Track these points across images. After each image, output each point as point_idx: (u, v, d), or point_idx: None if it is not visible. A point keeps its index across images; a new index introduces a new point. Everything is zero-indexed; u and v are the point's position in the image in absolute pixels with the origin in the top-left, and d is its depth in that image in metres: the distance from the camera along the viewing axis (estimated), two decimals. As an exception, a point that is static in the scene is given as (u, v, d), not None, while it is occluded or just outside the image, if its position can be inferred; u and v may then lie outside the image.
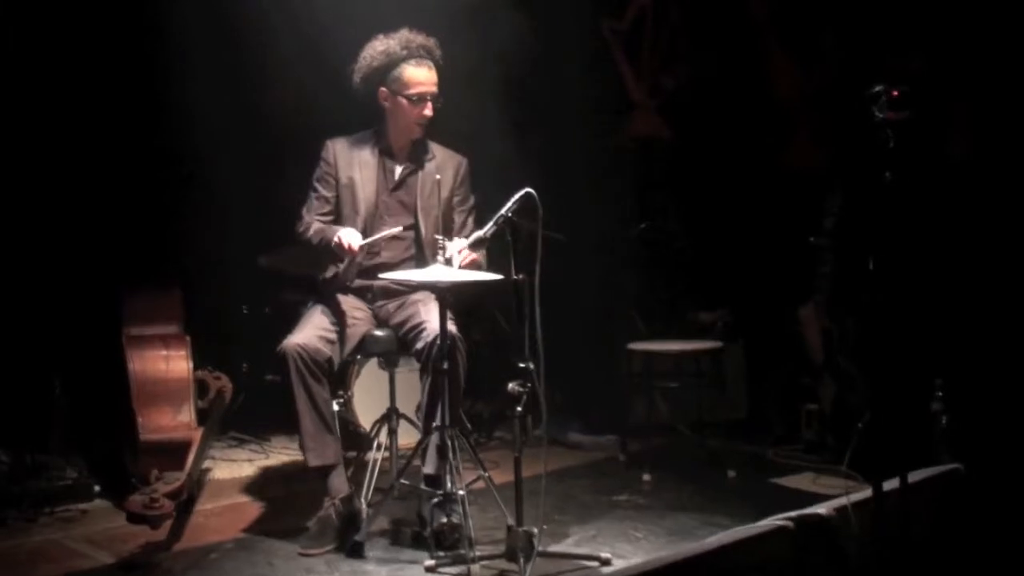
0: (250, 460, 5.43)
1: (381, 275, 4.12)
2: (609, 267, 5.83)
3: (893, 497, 2.95)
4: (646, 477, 5.00)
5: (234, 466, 5.31)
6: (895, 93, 2.66)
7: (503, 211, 3.73)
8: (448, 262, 3.88)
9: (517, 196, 3.74)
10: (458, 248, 3.95)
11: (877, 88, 2.69)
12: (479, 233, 3.79)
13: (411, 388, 4.55)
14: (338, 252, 4.21)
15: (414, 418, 4.74)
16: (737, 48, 6.31)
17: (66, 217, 5.34)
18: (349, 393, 5.26)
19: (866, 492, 2.89)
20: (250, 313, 5.98)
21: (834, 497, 4.49)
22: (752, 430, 5.70)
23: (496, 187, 4.58)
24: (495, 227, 3.74)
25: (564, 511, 4.52)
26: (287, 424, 5.73)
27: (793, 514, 2.86)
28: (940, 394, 4.87)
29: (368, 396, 5.27)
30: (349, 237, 4.17)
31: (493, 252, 4.37)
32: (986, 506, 3.23)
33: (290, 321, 5.69)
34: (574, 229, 4.94)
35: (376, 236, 4.23)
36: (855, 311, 5.25)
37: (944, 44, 5.35)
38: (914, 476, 3.01)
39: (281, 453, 5.57)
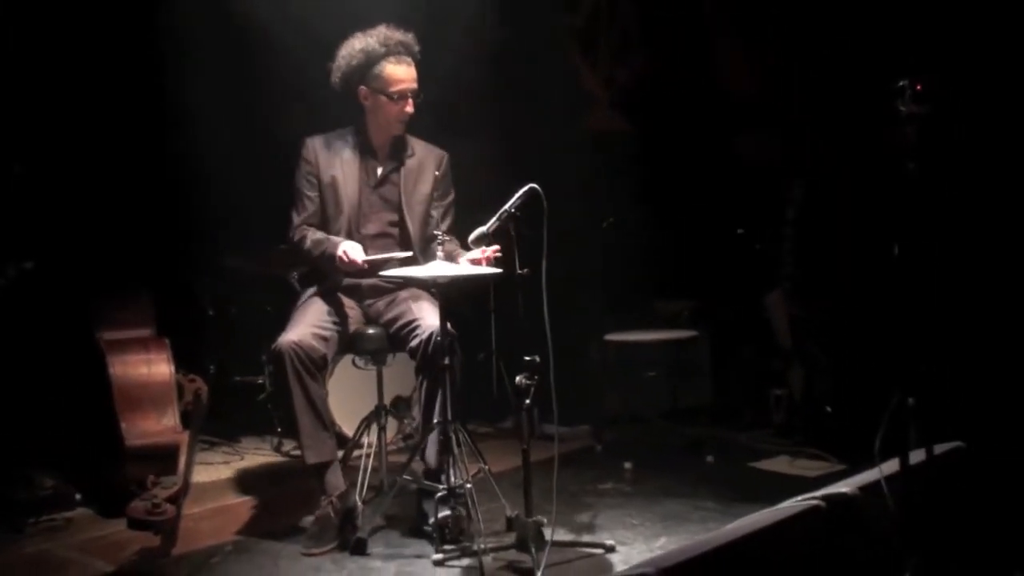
0: (226, 462, 5.39)
1: (381, 272, 4.13)
2: (575, 259, 5.89)
3: (902, 477, 3.05)
4: (627, 466, 5.08)
5: (211, 469, 5.26)
6: (919, 87, 2.76)
7: (507, 207, 3.77)
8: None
9: (521, 192, 3.78)
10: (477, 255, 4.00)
11: (902, 82, 2.79)
12: (481, 229, 3.81)
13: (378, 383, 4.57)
14: (342, 267, 4.20)
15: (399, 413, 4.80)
16: (689, 41, 6.42)
17: (32, 221, 5.23)
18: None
19: (892, 467, 2.98)
20: (216, 315, 5.91)
21: (814, 479, 4.75)
22: (721, 416, 5.82)
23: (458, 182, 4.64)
24: (498, 223, 3.78)
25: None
26: (257, 425, 5.80)
27: (819, 493, 2.94)
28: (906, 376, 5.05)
29: (341, 394, 5.27)
30: (354, 252, 4.16)
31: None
32: (985, 482, 3.36)
33: (259, 323, 5.73)
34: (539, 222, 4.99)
35: (380, 256, 4.21)
36: (822, 297, 5.41)
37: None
38: (916, 456, 3.11)
39: (255, 455, 5.54)
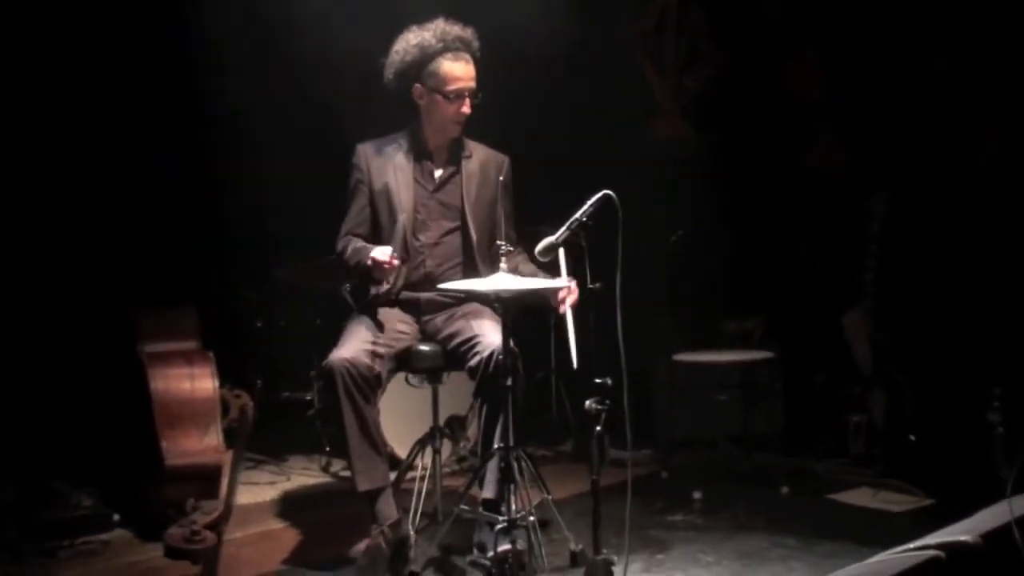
0: (272, 483, 5.13)
1: (440, 286, 3.84)
2: (641, 274, 5.59)
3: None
4: (697, 495, 4.73)
5: (256, 490, 5.01)
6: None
7: (578, 215, 3.48)
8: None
9: (594, 199, 3.49)
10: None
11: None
12: (550, 239, 3.52)
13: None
14: (377, 273, 3.94)
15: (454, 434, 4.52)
16: (759, 47, 6.12)
17: (73, 231, 5.03)
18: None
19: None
20: (264, 328, 5.67)
21: (900, 514, 4.42)
22: (794, 443, 5.45)
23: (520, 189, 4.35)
24: (568, 232, 3.49)
25: (620, 534, 4.23)
26: (305, 444, 5.54)
27: (932, 541, 2.59)
28: (997, 404, 4.71)
29: (393, 413, 4.99)
30: (381, 254, 3.88)
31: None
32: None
33: (309, 337, 5.47)
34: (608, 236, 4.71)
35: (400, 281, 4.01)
36: (905, 318, 5.06)
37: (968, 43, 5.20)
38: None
39: (303, 475, 5.28)
